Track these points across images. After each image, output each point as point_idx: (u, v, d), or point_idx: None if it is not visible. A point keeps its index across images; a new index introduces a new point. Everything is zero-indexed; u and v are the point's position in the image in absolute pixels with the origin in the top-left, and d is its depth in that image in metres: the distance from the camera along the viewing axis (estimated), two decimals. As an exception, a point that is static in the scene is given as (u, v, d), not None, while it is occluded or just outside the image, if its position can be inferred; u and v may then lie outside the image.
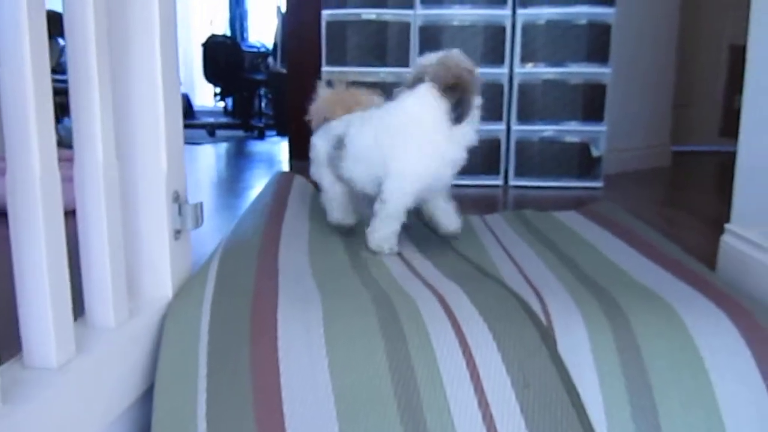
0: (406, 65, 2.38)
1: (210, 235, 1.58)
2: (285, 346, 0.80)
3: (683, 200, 2.18)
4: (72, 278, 0.74)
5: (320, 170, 1.28)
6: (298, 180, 1.68)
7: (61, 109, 0.96)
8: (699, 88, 3.70)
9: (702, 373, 0.79)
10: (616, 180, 2.54)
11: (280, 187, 1.58)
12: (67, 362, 0.68)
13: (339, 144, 1.20)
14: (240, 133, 5.23)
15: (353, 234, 1.27)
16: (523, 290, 0.93)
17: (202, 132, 5.18)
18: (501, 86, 2.36)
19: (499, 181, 2.41)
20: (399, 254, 1.16)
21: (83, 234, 0.76)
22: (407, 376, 0.77)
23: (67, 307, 0.68)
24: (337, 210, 1.28)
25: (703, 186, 2.60)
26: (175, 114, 0.89)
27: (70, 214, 0.75)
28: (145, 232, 0.89)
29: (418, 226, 1.40)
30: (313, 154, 1.30)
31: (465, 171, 2.49)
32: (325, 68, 2.43)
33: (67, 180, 0.75)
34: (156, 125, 0.86)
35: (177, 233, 0.91)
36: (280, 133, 4.81)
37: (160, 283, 0.90)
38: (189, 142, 4.48)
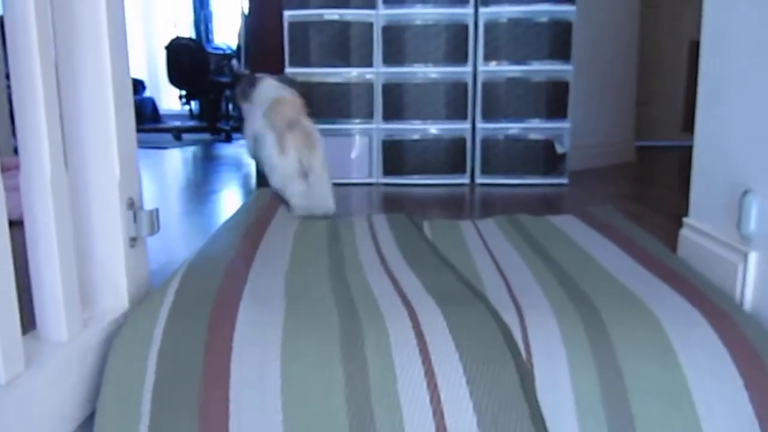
0: (370, 65, 2.37)
1: (176, 240, 1.56)
2: (236, 386, 0.74)
3: (647, 195, 2.21)
4: (24, 290, 0.73)
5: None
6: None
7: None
8: (662, 84, 3.77)
9: (692, 415, 0.74)
10: (581, 176, 2.57)
11: (266, 202, 1.50)
12: (16, 377, 0.66)
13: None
14: (206, 136, 5.18)
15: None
16: (506, 309, 0.87)
17: (168, 136, 5.12)
18: (465, 85, 2.37)
19: (466, 180, 2.42)
20: (384, 264, 1.12)
21: (32, 244, 0.74)
22: (366, 420, 0.72)
23: (14, 320, 0.66)
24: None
25: (666, 181, 2.64)
26: (126, 119, 0.87)
27: (21, 224, 0.73)
28: (99, 240, 0.87)
29: (412, 235, 1.36)
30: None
31: (431, 170, 2.50)
32: (288, 69, 2.41)
33: (17, 189, 0.73)
34: (107, 131, 0.84)
35: (132, 241, 0.89)
36: (247, 136, 4.78)
37: (116, 292, 0.88)
38: (155, 146, 4.43)
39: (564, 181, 2.40)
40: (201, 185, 2.69)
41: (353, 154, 2.42)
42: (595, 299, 0.91)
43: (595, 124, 2.83)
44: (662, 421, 0.73)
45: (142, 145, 4.58)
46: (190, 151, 4.31)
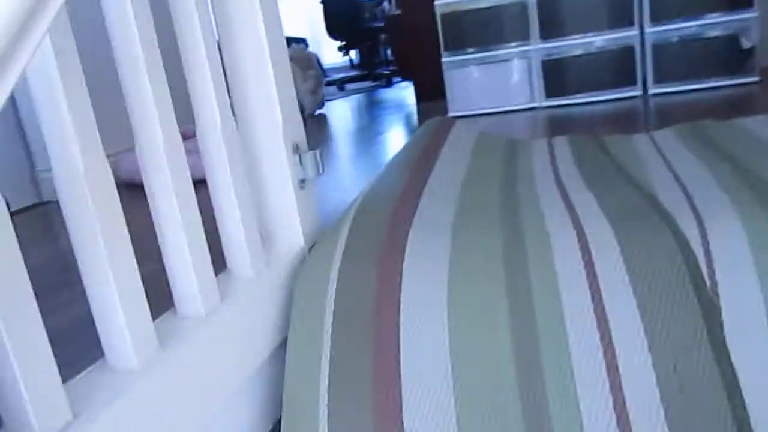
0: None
1: (348, 180, 1.63)
2: (406, 324, 0.76)
3: None
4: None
5: None
6: (459, 126, 1.54)
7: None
8: None
9: None
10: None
11: (434, 134, 1.47)
12: (213, 310, 0.74)
13: None
14: (368, 84, 5.30)
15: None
16: (685, 220, 0.79)
17: (333, 88, 5.31)
18: (629, -12, 2.18)
19: (638, 92, 2.25)
20: (559, 183, 1.07)
21: (215, 197, 0.81)
22: (534, 372, 0.69)
23: (207, 262, 0.74)
24: None
25: None
26: (283, 71, 0.92)
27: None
28: (272, 185, 0.93)
29: (592, 151, 1.28)
30: None
31: (598, 86, 2.35)
32: (437, 1, 2.37)
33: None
34: (267, 85, 0.89)
35: (302, 183, 0.95)
36: (405, 78, 4.79)
37: (292, 232, 0.94)
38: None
39: (754, 78, 2.14)
40: (367, 129, 2.77)
41: (513, 80, 2.34)
42: None
43: (790, 10, 2.47)
44: None
45: (310, 99, 4.78)
46: (354, 99, 4.44)
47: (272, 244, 0.94)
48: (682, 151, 1.21)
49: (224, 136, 0.79)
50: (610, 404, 0.66)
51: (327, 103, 4.29)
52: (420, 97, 3.25)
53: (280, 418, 0.79)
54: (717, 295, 0.70)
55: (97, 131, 0.59)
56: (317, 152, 0.95)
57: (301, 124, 0.97)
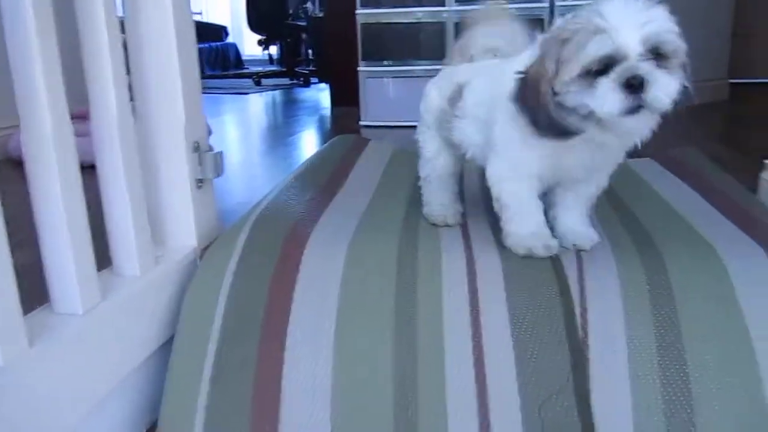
0: (442, 4, 2.30)
1: (257, 179, 1.61)
2: (292, 339, 0.78)
3: (736, 136, 2.08)
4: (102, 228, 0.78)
5: (425, 131, 1.01)
6: (374, 144, 1.54)
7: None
8: (763, 13, 3.47)
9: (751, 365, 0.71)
10: (666, 117, 2.44)
11: (349, 149, 1.46)
12: (93, 307, 0.71)
13: (457, 96, 0.91)
14: (286, 80, 5.24)
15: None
16: (568, 264, 0.82)
17: (249, 81, 5.22)
18: (542, 21, 2.27)
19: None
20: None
21: (104, 186, 0.78)
22: (409, 393, 0.72)
23: (89, 257, 0.71)
24: (437, 194, 1.00)
25: (760, 120, 2.47)
26: (191, 65, 0.90)
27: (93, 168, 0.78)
28: (167, 182, 0.91)
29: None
30: (423, 106, 1.02)
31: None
32: (359, 10, 2.38)
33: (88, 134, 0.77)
34: (171, 78, 0.87)
35: (199, 182, 0.93)
36: (323, 80, 4.77)
37: (185, 231, 0.92)
38: (237, 92, 4.53)
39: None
40: (279, 128, 2.75)
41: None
42: (660, 242, 0.88)
43: (684, 60, 2.66)
44: (718, 367, 0.71)
45: (225, 90, 4.70)
46: (269, 95, 4.39)
47: (164, 242, 0.92)
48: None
49: (119, 124, 0.76)
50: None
51: (243, 97, 4.23)
52: (335, 101, 3.25)
53: (156, 422, 0.77)
54: (587, 345, 0.73)
55: None
56: (219, 153, 0.94)
57: (204, 122, 0.95)
